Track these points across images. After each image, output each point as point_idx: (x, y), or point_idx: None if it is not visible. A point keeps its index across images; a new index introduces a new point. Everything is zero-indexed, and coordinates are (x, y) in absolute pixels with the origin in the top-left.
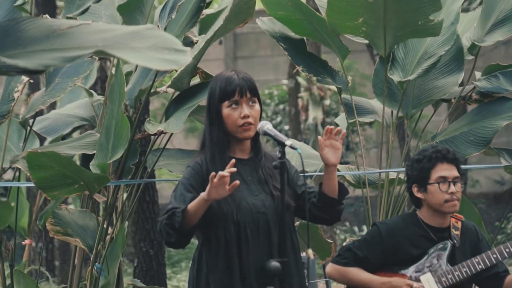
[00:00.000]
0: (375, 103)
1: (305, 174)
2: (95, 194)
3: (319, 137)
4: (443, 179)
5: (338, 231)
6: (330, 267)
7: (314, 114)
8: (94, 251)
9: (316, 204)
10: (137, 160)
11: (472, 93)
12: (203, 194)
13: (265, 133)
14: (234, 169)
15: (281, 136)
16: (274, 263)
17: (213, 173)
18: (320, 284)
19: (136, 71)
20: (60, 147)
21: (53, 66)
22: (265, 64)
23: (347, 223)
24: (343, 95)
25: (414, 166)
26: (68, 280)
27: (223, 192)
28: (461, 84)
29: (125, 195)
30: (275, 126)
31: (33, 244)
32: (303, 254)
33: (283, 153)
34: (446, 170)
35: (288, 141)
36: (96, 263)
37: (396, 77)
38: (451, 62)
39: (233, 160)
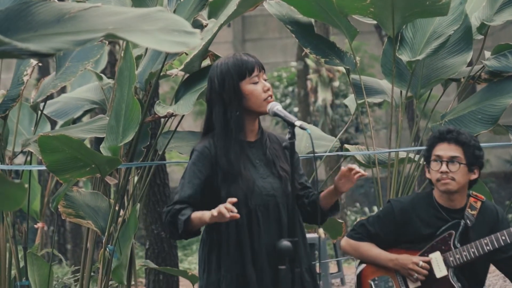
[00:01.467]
0: (384, 83)
1: (315, 154)
2: (107, 176)
3: (343, 167)
4: (438, 158)
5: (348, 212)
6: (344, 241)
7: (323, 96)
8: (106, 233)
9: (306, 207)
10: (148, 143)
11: (481, 72)
12: (206, 218)
13: (275, 114)
14: (236, 214)
15: (291, 117)
16: (286, 243)
17: (222, 210)
18: (332, 264)
19: (146, 54)
20: (72, 130)
21: (64, 49)
22: (273, 46)
23: (358, 204)
24: (352, 76)
25: (426, 148)
26: (81, 263)
27: (224, 220)
28: (470, 64)
29: (136, 178)
30: (284, 109)
31: (45, 228)
32: (315, 234)
33: (293, 133)
34: (442, 150)
35: (298, 122)
36: (109, 245)
37: (405, 57)
38: (460, 42)
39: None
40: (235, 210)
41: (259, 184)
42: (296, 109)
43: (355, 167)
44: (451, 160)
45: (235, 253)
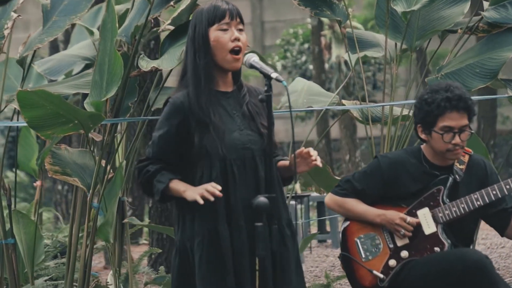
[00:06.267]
0: (380, 36)
1: (291, 110)
2: (92, 133)
3: (302, 148)
4: (449, 129)
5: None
6: (329, 198)
7: (337, 52)
8: (91, 191)
9: None
10: (135, 98)
11: (479, 23)
12: (184, 192)
13: (251, 66)
14: (219, 194)
15: (267, 69)
16: (262, 199)
17: (202, 192)
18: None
19: (133, 8)
20: (57, 86)
21: None
22: (291, 3)
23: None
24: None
25: (423, 107)
26: (70, 222)
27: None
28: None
29: (122, 135)
30: (300, 66)
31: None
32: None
33: (269, 86)
34: (454, 119)
35: (274, 74)
36: (94, 203)
37: (399, 7)
38: None
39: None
40: (218, 193)
41: (235, 136)
42: (311, 67)
43: (314, 153)
44: (463, 129)
45: (208, 208)
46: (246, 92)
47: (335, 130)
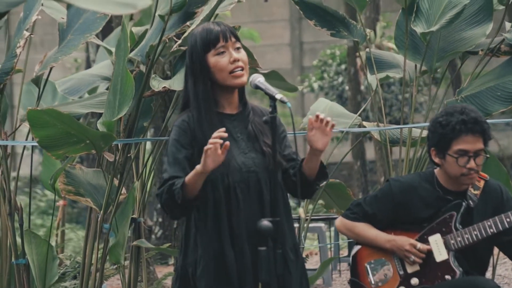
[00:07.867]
0: (400, 57)
1: (295, 132)
2: (105, 152)
3: (310, 117)
4: (464, 153)
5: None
6: (339, 221)
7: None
8: (102, 212)
9: (291, 178)
10: (150, 119)
11: (500, 45)
12: (198, 168)
13: (256, 87)
14: (225, 134)
15: (272, 90)
16: (266, 223)
17: (205, 147)
18: None
19: (152, 27)
20: (71, 105)
21: None
22: None
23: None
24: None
25: (437, 130)
26: (84, 241)
27: (218, 158)
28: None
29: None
30: (337, 87)
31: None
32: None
33: (274, 107)
34: (469, 143)
35: (278, 95)
36: (104, 224)
37: (419, 28)
38: (479, 12)
39: (223, 129)
40: (224, 135)
41: (239, 160)
42: (347, 88)
43: (322, 115)
44: (478, 153)
45: (213, 232)
46: (251, 111)
47: (370, 152)
